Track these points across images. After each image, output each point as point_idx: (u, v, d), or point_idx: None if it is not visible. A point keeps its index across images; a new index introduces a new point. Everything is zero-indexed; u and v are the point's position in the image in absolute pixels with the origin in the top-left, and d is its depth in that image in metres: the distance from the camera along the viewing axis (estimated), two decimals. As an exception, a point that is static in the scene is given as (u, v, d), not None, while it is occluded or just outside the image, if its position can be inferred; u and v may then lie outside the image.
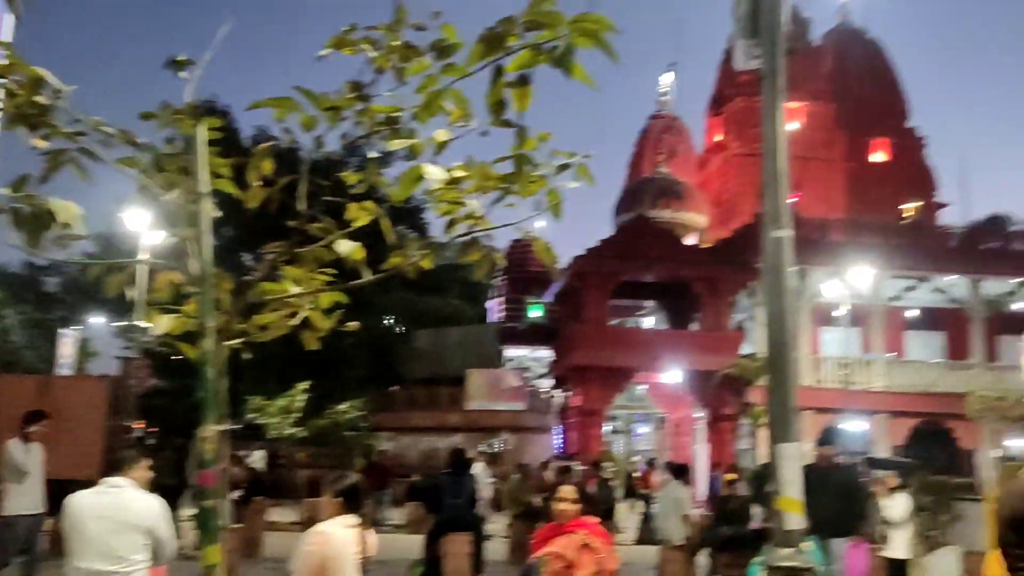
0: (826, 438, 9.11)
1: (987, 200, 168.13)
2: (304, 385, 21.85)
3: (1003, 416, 22.04)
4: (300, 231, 2.61)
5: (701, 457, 25.91)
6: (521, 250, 33.22)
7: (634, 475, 21.05)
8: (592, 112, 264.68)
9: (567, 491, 4.61)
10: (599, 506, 12.15)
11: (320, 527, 3.89)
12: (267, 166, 2.59)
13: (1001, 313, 28.12)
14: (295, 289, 2.69)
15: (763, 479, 6.60)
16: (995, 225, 38.44)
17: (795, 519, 4.88)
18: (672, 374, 25.12)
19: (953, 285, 27.27)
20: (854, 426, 25.02)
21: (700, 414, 26.14)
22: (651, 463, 21.20)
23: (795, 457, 4.92)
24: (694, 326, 26.67)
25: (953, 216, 36.71)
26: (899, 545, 9.40)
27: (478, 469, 17.01)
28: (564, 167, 2.49)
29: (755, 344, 26.21)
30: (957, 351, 28.47)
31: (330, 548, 3.77)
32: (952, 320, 28.86)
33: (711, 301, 25.09)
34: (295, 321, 2.77)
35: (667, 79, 40.79)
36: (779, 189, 5.06)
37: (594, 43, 2.15)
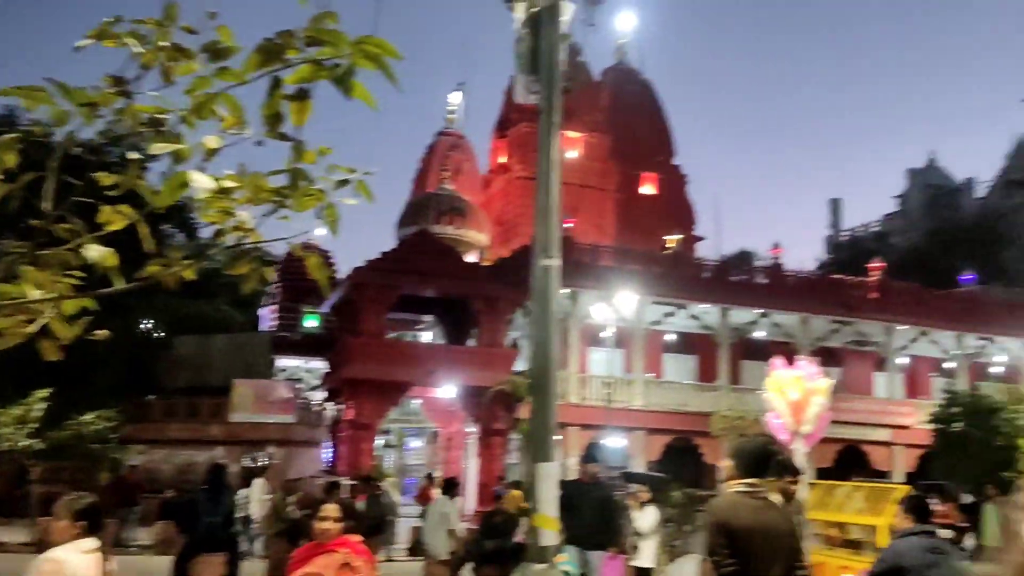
0: (590, 455, 9.54)
1: (736, 235, 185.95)
2: (43, 393, 19.83)
3: (742, 434, 24.25)
4: (45, 232, 2.37)
5: (472, 471, 26.39)
6: (299, 258, 32.29)
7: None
8: (386, 125, 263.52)
9: (330, 509, 4.51)
10: (367, 523, 12.02)
11: (54, 553, 3.55)
12: (10, 159, 2.33)
13: (744, 340, 31.02)
14: (35, 294, 2.43)
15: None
16: (742, 260, 42.42)
17: (550, 535, 5.10)
18: (447, 389, 25.40)
19: (706, 313, 29.72)
20: (615, 442, 26.57)
21: (472, 429, 26.61)
22: (430, 478, 21.27)
23: (553, 476, 5.15)
24: (471, 342, 27.18)
25: (708, 249, 40.07)
26: (646, 555, 10.06)
27: (256, 485, 16.24)
28: (343, 183, 2.40)
29: (529, 361, 27.14)
30: (707, 374, 31.03)
31: (64, 577, 3.45)
32: (703, 345, 31.42)
33: (488, 318, 25.68)
34: (33, 328, 2.51)
35: (455, 98, 41.47)
36: (550, 220, 5.30)
37: (376, 66, 2.12)
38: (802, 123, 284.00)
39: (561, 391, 26.99)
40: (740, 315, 29.95)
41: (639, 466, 25.63)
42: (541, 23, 5.49)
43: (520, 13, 5.63)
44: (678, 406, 28.12)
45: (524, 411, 23.95)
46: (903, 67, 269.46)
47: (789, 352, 31.37)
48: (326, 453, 27.18)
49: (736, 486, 4.14)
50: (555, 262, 5.38)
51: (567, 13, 5.58)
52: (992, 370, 34.41)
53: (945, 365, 33.38)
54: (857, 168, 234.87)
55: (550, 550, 5.17)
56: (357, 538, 4.58)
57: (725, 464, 4.34)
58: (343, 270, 30.99)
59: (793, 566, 4.06)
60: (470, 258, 30.52)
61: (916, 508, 4.97)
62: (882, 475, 28.24)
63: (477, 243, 33.55)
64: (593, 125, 37.81)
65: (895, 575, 4.75)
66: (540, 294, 5.44)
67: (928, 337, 31.49)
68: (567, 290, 27.87)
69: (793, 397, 12.15)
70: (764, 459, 4.34)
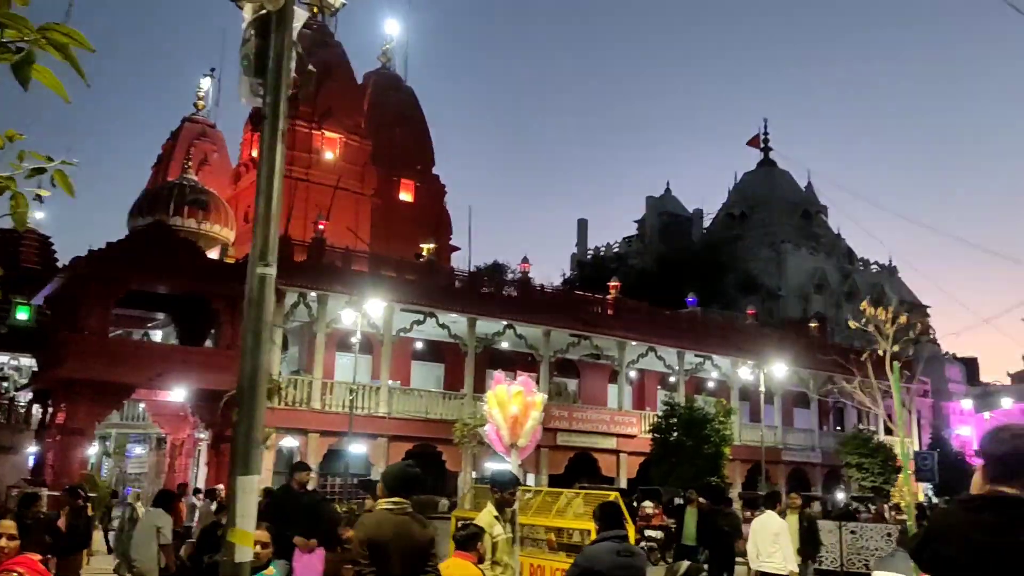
0: (301, 463, 9.52)
1: (492, 247, 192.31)
2: None
3: (481, 442, 24.77)
4: None
5: (201, 480, 24.82)
6: (12, 244, 28.85)
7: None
8: (131, 110, 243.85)
9: (5, 526, 4.12)
10: (65, 539, 10.81)
11: None
12: None
13: (490, 350, 31.86)
14: None
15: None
16: (495, 272, 43.64)
17: (246, 552, 4.79)
18: (177, 392, 23.75)
19: (454, 322, 30.18)
20: (356, 449, 26.18)
21: (203, 435, 25.07)
22: (182, 488, 19.95)
23: (253, 489, 4.87)
24: (210, 343, 25.61)
25: (461, 260, 40.87)
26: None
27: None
28: (39, 171, 2.23)
29: (239, 373, 26.03)
30: (453, 382, 31.53)
31: None
32: (451, 353, 31.90)
33: (229, 319, 24.30)
34: None
35: (205, 84, 39.19)
36: (269, 228, 5.07)
37: (62, 56, 1.95)
38: (559, 143, 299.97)
39: (303, 397, 26.25)
40: (488, 325, 30.73)
41: (379, 473, 25.41)
42: (270, 26, 5.23)
43: (248, 14, 5.32)
44: (422, 413, 28.31)
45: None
46: (650, 95, 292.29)
47: (532, 363, 32.88)
48: (31, 460, 24.37)
49: (383, 504, 4.84)
50: (271, 271, 5.14)
51: (299, 20, 5.34)
52: (708, 385, 37.99)
53: (670, 379, 36.32)
54: (606, 190, 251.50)
55: (245, 567, 4.87)
56: (35, 557, 4.16)
57: (379, 487, 4.98)
58: (63, 260, 28.08)
59: (425, 569, 4.84)
60: (213, 255, 28.82)
61: (604, 516, 5.39)
62: (610, 481, 30.14)
63: (222, 239, 31.77)
64: (353, 127, 37.24)
65: None
66: (254, 304, 5.18)
67: (655, 352, 34.09)
68: (314, 293, 27.14)
69: (513, 411, 12.54)
70: (406, 479, 4.97)
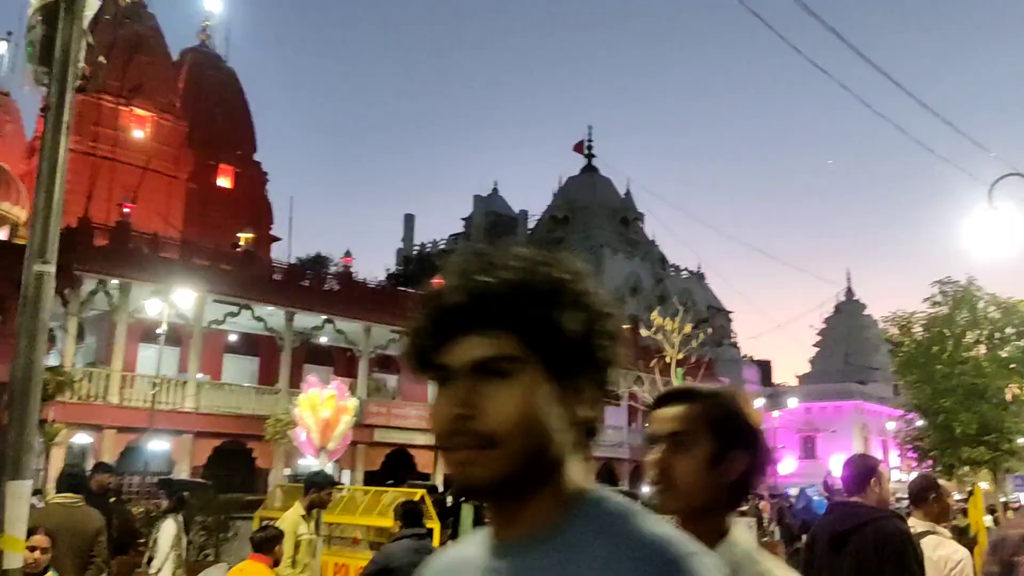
0: (102, 465, 8.90)
1: (315, 239, 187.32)
2: None
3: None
4: None
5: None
6: None
7: None
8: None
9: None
10: None
11: None
12: None
13: (308, 344, 31.14)
14: None
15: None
16: (315, 264, 42.66)
17: (15, 558, 4.59)
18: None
19: (271, 315, 29.25)
20: (158, 446, 24.81)
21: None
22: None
23: (25, 495, 4.66)
24: (-7, 330, 23.45)
25: (282, 251, 39.54)
26: (163, 569, 9.41)
27: None
28: None
29: (62, 356, 24.23)
30: (268, 376, 30.56)
31: None
32: (267, 347, 30.91)
33: (16, 305, 22.34)
34: None
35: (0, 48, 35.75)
36: (50, 222, 4.82)
37: None
38: (386, 136, 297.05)
39: (100, 390, 24.55)
40: (306, 319, 30.04)
41: (184, 472, 24.22)
42: (59, 14, 4.91)
43: (35, -1, 4.97)
44: (234, 409, 27.24)
45: (53, 411, 21.33)
46: (482, 94, 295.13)
47: (351, 358, 32.47)
48: None
49: (59, 499, 5.96)
50: (50, 268, 4.92)
51: (91, 8, 5.04)
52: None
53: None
54: (434, 187, 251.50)
55: (15, 573, 4.72)
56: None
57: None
58: None
59: (91, 555, 5.79)
60: (2, 235, 26.43)
61: (406, 514, 5.44)
62: (426, 477, 30.25)
63: (12, 218, 29.17)
64: (165, 106, 35.16)
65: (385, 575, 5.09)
66: (30, 303, 4.96)
67: (475, 350, 34.48)
68: (116, 280, 25.47)
69: (324, 415, 12.41)
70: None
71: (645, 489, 35.86)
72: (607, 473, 40.29)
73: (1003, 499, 18.09)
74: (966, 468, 22.66)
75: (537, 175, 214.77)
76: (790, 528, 21.23)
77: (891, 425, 43.67)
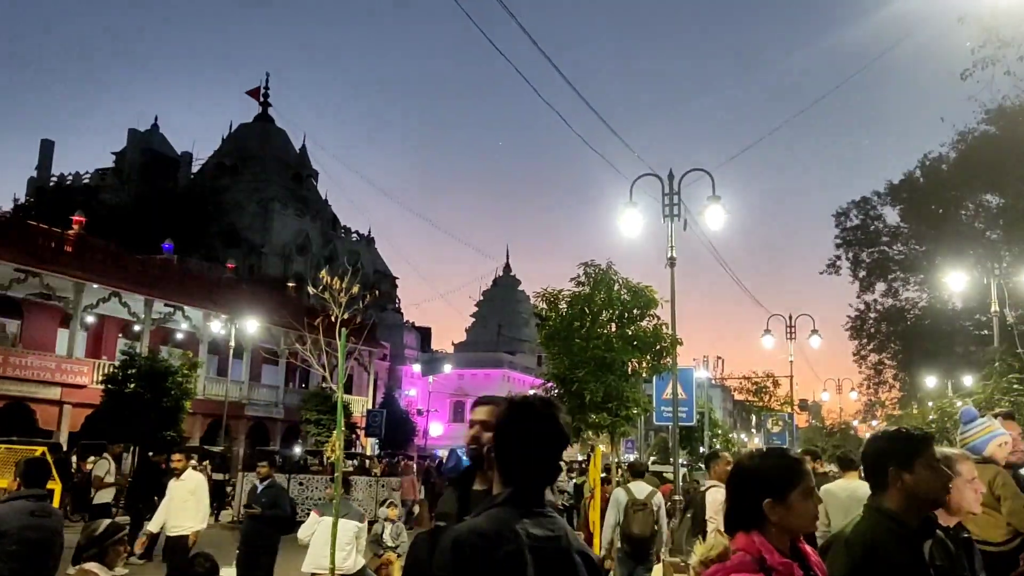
0: None
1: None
2: None
3: None
4: None
5: None
6: None
7: None
8: None
9: None
10: None
11: None
12: None
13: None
14: None
15: None
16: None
17: None
18: None
19: None
20: None
21: None
22: None
23: None
24: None
25: None
26: None
27: None
28: None
29: None
30: None
31: None
32: None
33: None
34: None
35: None
36: None
37: None
38: (22, 45, 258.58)
39: None
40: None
41: None
42: None
43: None
44: None
45: None
46: (146, 20, 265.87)
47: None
48: None
49: None
50: None
51: None
52: (177, 336, 36.40)
53: (135, 328, 33.91)
54: (81, 113, 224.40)
55: None
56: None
57: None
58: None
59: None
60: None
61: (27, 473, 5.19)
62: (48, 435, 27.09)
63: None
64: None
65: None
66: None
67: (120, 299, 31.53)
68: None
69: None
70: None
71: (297, 449, 35.43)
72: (260, 432, 39.17)
73: (615, 460, 20.45)
74: (590, 432, 25.33)
75: (205, 118, 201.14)
76: (435, 486, 22.44)
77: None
